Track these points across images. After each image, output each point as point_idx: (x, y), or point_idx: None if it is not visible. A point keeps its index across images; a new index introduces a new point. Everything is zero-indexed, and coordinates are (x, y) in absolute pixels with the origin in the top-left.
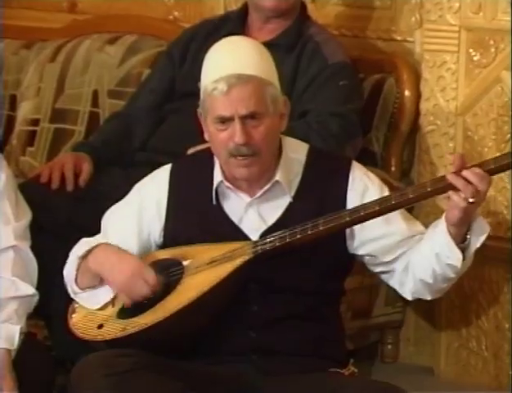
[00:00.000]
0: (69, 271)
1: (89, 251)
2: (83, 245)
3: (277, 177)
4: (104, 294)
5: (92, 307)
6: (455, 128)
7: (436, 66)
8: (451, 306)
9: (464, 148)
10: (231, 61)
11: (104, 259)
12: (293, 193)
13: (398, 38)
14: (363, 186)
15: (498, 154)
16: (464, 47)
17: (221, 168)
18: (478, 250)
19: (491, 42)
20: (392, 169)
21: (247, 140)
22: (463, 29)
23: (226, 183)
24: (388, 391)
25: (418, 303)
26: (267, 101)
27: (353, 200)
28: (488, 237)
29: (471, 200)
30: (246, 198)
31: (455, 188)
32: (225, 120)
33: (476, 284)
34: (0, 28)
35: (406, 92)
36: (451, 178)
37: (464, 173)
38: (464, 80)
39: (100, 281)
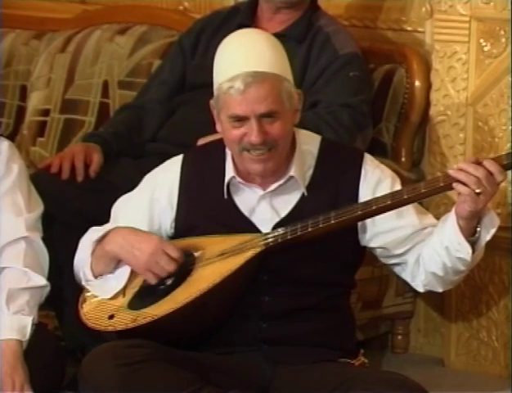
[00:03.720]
0: (81, 257)
1: (104, 236)
2: (94, 232)
3: (292, 172)
4: (115, 282)
5: (103, 295)
6: (466, 118)
7: (446, 57)
8: (462, 297)
9: (475, 139)
10: (245, 58)
11: (122, 241)
12: (306, 186)
13: (409, 28)
14: (376, 179)
15: (509, 145)
16: (474, 37)
17: (233, 161)
18: (488, 241)
19: (502, 32)
20: (403, 159)
21: (263, 139)
22: (473, 19)
23: (238, 179)
24: (398, 382)
25: (428, 294)
26: (284, 98)
27: (366, 193)
28: (498, 228)
29: (477, 190)
30: (259, 191)
31: (462, 182)
32: (240, 119)
33: (486, 275)
34: (0, 17)
35: (417, 83)
36: (453, 173)
37: (463, 165)
38: (475, 70)
39: (114, 267)
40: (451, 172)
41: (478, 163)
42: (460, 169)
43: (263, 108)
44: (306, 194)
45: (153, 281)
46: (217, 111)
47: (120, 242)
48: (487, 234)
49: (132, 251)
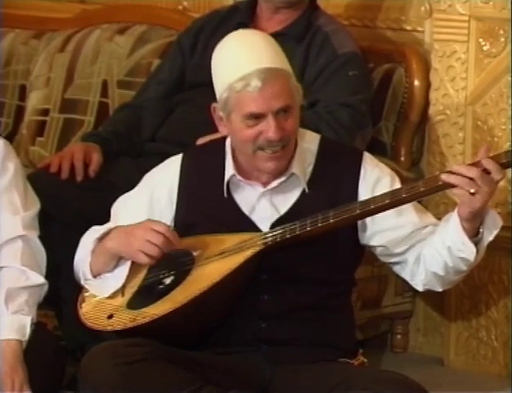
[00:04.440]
0: (81, 256)
1: (106, 234)
2: (95, 232)
3: (293, 169)
4: (114, 281)
5: (102, 295)
6: (465, 118)
7: (446, 56)
8: (461, 296)
9: (474, 138)
10: (253, 56)
11: (121, 236)
12: (305, 183)
13: (408, 27)
14: (375, 177)
15: (508, 144)
16: (473, 36)
17: (233, 160)
18: None
19: (501, 31)
20: (402, 159)
21: (281, 135)
22: (473, 18)
23: (239, 177)
24: (397, 381)
25: (428, 293)
26: (294, 93)
27: (365, 191)
28: None
29: (472, 190)
30: (259, 188)
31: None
32: (256, 117)
33: (486, 274)
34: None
35: (416, 82)
36: (445, 178)
37: (454, 168)
38: (474, 70)
39: (113, 267)
40: (442, 177)
41: (475, 164)
42: (450, 172)
43: (280, 103)
44: (307, 191)
45: (145, 260)
46: (227, 113)
47: (120, 237)
48: (489, 235)
49: (127, 239)
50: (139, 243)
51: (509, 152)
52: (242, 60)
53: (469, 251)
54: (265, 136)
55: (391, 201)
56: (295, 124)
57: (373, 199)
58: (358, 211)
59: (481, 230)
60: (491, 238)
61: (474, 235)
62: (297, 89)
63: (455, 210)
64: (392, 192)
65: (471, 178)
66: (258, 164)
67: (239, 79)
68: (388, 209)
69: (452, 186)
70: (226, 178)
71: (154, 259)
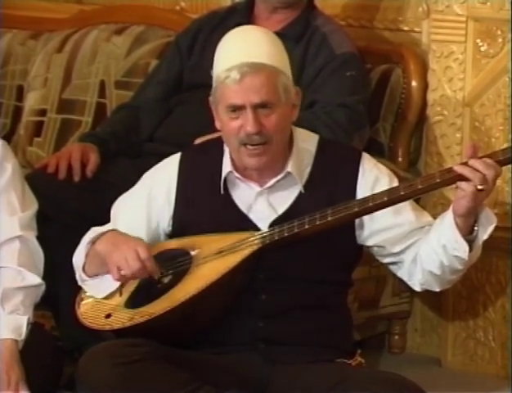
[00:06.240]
0: (77, 258)
1: (99, 237)
2: (93, 233)
3: (289, 168)
4: (111, 282)
5: (99, 295)
6: (463, 118)
7: (443, 57)
8: (459, 297)
9: (472, 139)
10: (243, 50)
11: (111, 241)
12: (303, 183)
13: (405, 28)
14: (373, 177)
15: (506, 145)
16: (471, 37)
17: (230, 157)
18: (485, 241)
19: (499, 32)
20: (400, 159)
21: (259, 129)
22: (470, 19)
23: (236, 174)
24: (395, 382)
25: (425, 294)
26: (279, 91)
27: (363, 191)
28: (495, 228)
29: (480, 187)
30: (256, 188)
31: (463, 178)
32: (236, 109)
33: (483, 275)
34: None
35: (414, 83)
36: (459, 169)
37: (471, 161)
38: (472, 70)
39: (107, 269)
40: (455, 167)
41: (480, 158)
42: (466, 165)
43: (258, 98)
44: (303, 191)
45: (115, 276)
46: (216, 105)
47: (108, 243)
48: (484, 232)
49: (112, 247)
50: (118, 258)
51: (508, 149)
52: (230, 53)
53: (462, 249)
54: (244, 129)
55: (389, 198)
56: (279, 122)
57: (371, 197)
58: (356, 209)
59: (475, 228)
60: (485, 236)
61: (469, 233)
62: (286, 88)
63: (450, 208)
64: (390, 190)
65: (484, 175)
66: (243, 160)
67: (224, 70)
68: (386, 206)
69: (453, 182)
70: (223, 174)
71: (124, 279)
